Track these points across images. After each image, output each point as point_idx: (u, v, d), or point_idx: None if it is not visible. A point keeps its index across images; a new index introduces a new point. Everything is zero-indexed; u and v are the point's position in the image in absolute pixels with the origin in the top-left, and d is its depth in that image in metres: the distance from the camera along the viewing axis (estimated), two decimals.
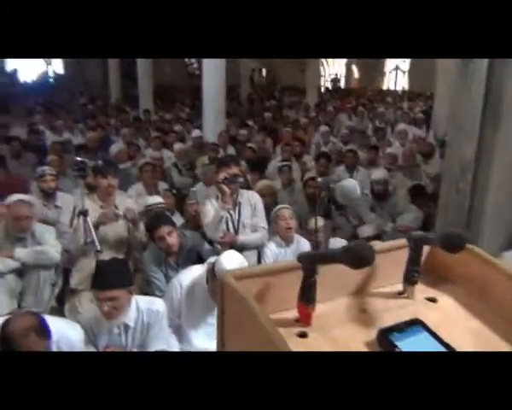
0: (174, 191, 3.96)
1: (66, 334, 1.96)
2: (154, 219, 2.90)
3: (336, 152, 5.85)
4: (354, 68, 20.70)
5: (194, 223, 3.18)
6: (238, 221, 2.95)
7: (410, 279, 1.07)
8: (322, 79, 22.06)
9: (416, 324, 0.94)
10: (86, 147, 5.40)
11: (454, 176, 2.55)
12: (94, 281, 2.07)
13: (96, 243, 2.75)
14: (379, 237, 3.71)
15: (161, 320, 2.18)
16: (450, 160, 2.62)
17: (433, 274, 1.16)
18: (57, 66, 17.33)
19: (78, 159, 2.73)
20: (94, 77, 17.02)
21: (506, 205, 2.56)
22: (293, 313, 0.99)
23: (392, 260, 1.11)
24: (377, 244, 1.17)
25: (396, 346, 0.87)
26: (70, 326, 2.06)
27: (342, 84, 21.02)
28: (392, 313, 1.01)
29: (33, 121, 7.87)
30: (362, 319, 1.00)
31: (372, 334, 0.93)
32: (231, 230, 2.92)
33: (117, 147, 5.57)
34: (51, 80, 16.48)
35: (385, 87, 20.57)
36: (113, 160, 5.27)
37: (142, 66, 10.17)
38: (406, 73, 20.31)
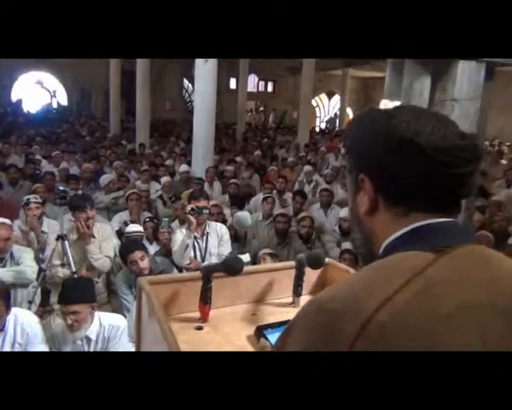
0: (155, 221, 4.23)
1: (31, 320, 2.32)
2: (128, 244, 3.16)
3: (315, 191, 6.16)
4: (349, 111, 21.38)
5: (166, 250, 3.44)
6: (205, 250, 3.22)
7: (296, 292, 1.33)
8: (318, 119, 22.78)
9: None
10: (77, 177, 5.69)
11: None
12: (59, 296, 2.32)
13: (72, 266, 3.01)
14: None
15: (121, 335, 2.41)
16: None
17: (322, 288, 1.42)
18: (61, 98, 17.96)
19: (61, 188, 3.02)
20: (96, 110, 17.66)
21: None
22: (198, 314, 1.25)
23: (287, 276, 1.38)
24: (275, 264, 1.44)
25: (267, 338, 1.12)
26: (35, 317, 2.39)
27: (337, 125, 21.66)
28: (276, 316, 1.27)
29: (31, 151, 8.21)
30: (251, 319, 1.26)
31: (253, 330, 1.18)
32: (198, 257, 3.19)
33: (108, 178, 5.88)
34: (54, 112, 17.00)
35: None
36: (104, 190, 5.60)
37: (140, 101, 10.63)
38: None
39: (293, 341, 0.59)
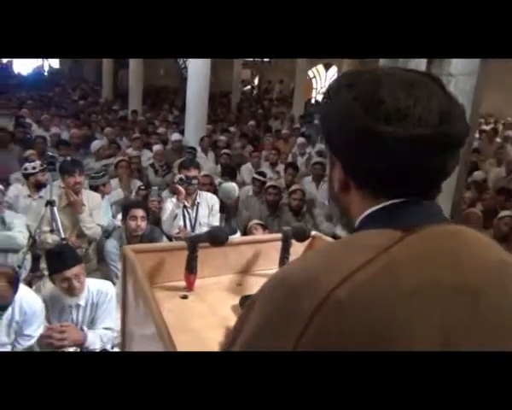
0: (148, 189, 4.21)
1: (31, 300, 2.25)
2: (135, 200, 3.17)
3: (308, 163, 6.14)
4: None
5: (155, 218, 3.44)
6: (195, 219, 3.22)
7: (282, 263, 1.34)
8: (314, 91, 22.51)
9: None
10: (67, 143, 5.61)
11: None
12: (58, 263, 2.28)
13: (61, 232, 3.00)
14: None
15: (109, 301, 2.42)
16: None
17: None
18: (53, 60, 17.54)
19: (49, 154, 2.98)
20: (88, 74, 17.27)
21: None
22: (183, 283, 1.26)
23: (273, 248, 1.38)
24: (262, 236, 1.45)
25: None
26: (35, 296, 2.34)
27: None
28: None
29: (21, 114, 8.05)
30: (236, 290, 1.27)
31: (238, 300, 1.19)
32: (188, 227, 3.19)
33: (99, 144, 5.81)
34: (46, 74, 16.63)
35: None
36: (94, 156, 5.54)
37: (133, 67, 10.42)
38: None
39: (255, 314, 0.58)
